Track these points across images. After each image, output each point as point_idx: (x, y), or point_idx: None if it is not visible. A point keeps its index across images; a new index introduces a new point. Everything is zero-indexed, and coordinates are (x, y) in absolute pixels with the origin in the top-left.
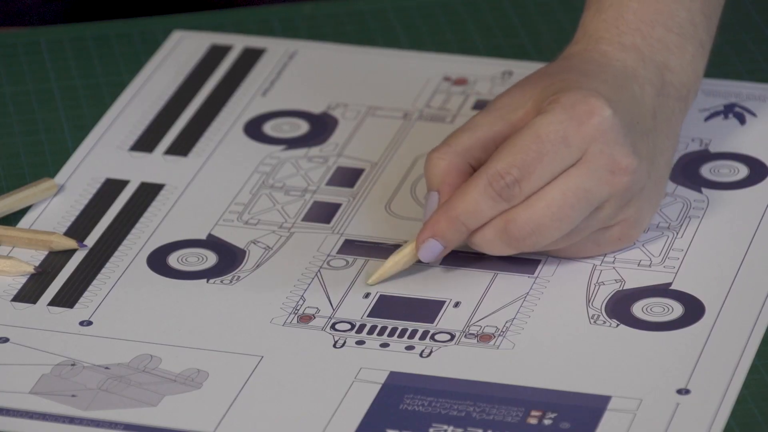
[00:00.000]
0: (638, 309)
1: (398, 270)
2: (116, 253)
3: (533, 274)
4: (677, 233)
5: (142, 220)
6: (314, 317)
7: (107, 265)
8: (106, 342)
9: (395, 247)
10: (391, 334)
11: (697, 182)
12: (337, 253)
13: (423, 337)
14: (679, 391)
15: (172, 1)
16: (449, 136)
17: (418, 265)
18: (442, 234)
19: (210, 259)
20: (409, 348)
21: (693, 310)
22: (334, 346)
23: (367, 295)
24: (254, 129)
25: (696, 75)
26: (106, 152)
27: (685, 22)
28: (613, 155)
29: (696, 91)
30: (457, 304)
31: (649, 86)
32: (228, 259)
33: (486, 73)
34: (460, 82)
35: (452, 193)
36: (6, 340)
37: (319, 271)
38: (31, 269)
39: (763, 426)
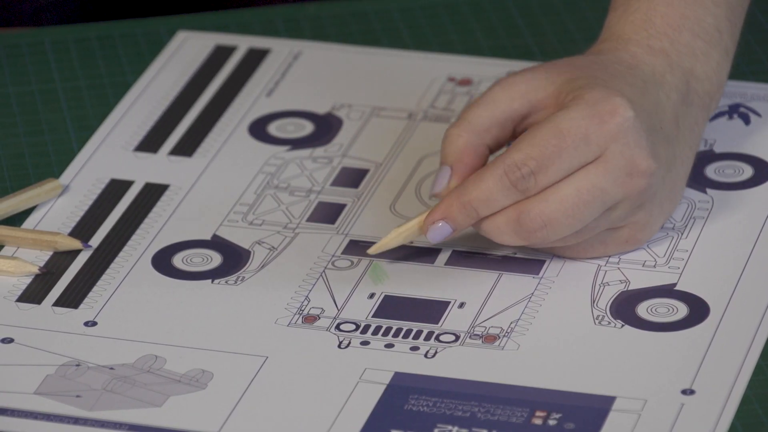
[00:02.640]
0: (643, 309)
1: (399, 242)
2: (121, 254)
3: (538, 274)
4: (682, 234)
5: (146, 220)
6: (319, 318)
7: (112, 265)
8: (111, 342)
9: (400, 248)
10: (395, 335)
11: (702, 183)
12: (342, 253)
13: (428, 338)
14: (684, 392)
15: (177, 1)
16: (468, 110)
17: (422, 266)
18: (453, 218)
19: (215, 259)
20: (414, 348)
21: (698, 310)
22: (339, 346)
23: (371, 296)
24: (259, 129)
25: (720, 83)
26: (110, 153)
27: (712, 28)
28: (632, 157)
29: (718, 101)
30: (461, 305)
31: (675, 93)
32: (233, 259)
33: (490, 73)
34: (465, 82)
35: (464, 171)
36: (11, 340)
37: (323, 271)
38: (35, 270)
39: None
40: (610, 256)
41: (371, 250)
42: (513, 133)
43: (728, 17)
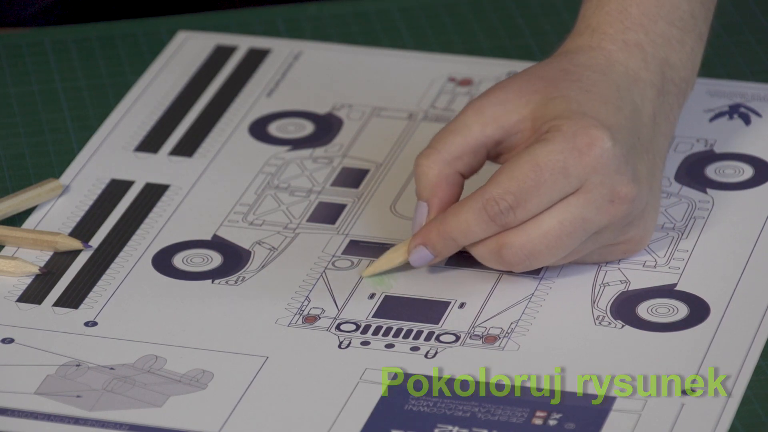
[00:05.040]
0: (643, 310)
1: (391, 267)
2: (121, 254)
3: (538, 275)
4: (682, 234)
5: (147, 220)
6: (319, 318)
7: (112, 265)
8: (111, 342)
9: None
10: (396, 335)
11: (702, 183)
12: (342, 253)
13: (428, 338)
14: (684, 392)
15: (177, 1)
16: (438, 138)
17: (423, 266)
18: (433, 245)
19: (215, 259)
20: (414, 349)
21: (698, 310)
22: (339, 346)
23: (372, 296)
24: (259, 129)
25: (694, 68)
26: (111, 153)
27: (687, 15)
28: (613, 185)
29: (693, 84)
30: (462, 305)
31: (651, 89)
32: (233, 259)
33: (491, 73)
34: (465, 82)
35: (440, 205)
36: (11, 340)
37: (324, 271)
38: (36, 270)
39: None
40: None
41: (364, 274)
42: (486, 158)
43: (702, 1)
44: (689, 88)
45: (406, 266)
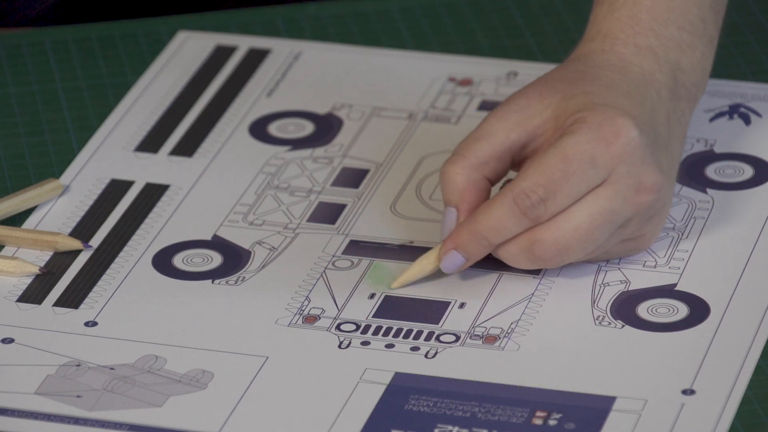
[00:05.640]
0: (643, 310)
1: (423, 275)
2: (121, 254)
3: (538, 274)
4: (682, 234)
5: (147, 220)
6: (319, 318)
7: (112, 265)
8: (111, 342)
9: (401, 248)
10: (396, 335)
11: (702, 183)
12: (342, 253)
13: (428, 338)
14: (684, 392)
15: (177, 1)
16: (464, 145)
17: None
18: (464, 247)
19: (215, 259)
20: (415, 349)
21: (698, 310)
22: (339, 346)
23: (372, 296)
24: (259, 129)
25: (705, 73)
26: (111, 153)
27: (696, 19)
28: (639, 175)
29: (704, 89)
30: (462, 305)
31: (665, 91)
32: (233, 259)
33: (491, 73)
34: (465, 82)
35: (469, 210)
36: (11, 340)
37: (324, 271)
38: (36, 270)
39: None
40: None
41: (394, 286)
42: (511, 163)
43: (712, 6)
44: (699, 93)
45: (407, 266)
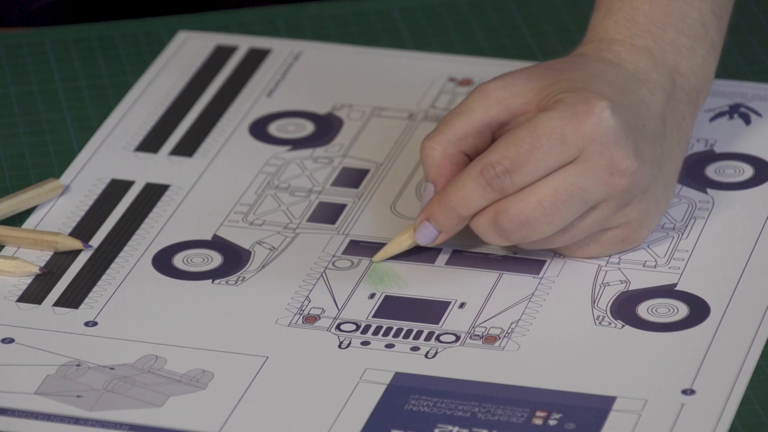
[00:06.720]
0: (643, 310)
1: (401, 250)
2: (121, 254)
3: (538, 274)
4: (682, 234)
5: (147, 220)
6: (319, 318)
7: (112, 265)
8: (111, 342)
9: None
10: (396, 335)
11: (702, 183)
12: (342, 253)
13: (428, 338)
14: (684, 392)
15: (177, 1)
16: (443, 121)
17: (422, 266)
18: (436, 218)
19: (215, 259)
20: (415, 349)
21: (698, 310)
22: (339, 346)
23: (372, 296)
24: (259, 129)
25: (706, 77)
26: (111, 153)
27: (696, 23)
28: (612, 156)
29: (707, 94)
30: (462, 305)
31: (660, 91)
32: (233, 259)
33: (491, 73)
34: (465, 82)
35: (445, 183)
36: (11, 340)
37: (324, 271)
38: (36, 270)
39: None
40: (610, 256)
41: (375, 258)
42: (492, 140)
43: (713, 10)
44: (701, 97)
45: (406, 265)
